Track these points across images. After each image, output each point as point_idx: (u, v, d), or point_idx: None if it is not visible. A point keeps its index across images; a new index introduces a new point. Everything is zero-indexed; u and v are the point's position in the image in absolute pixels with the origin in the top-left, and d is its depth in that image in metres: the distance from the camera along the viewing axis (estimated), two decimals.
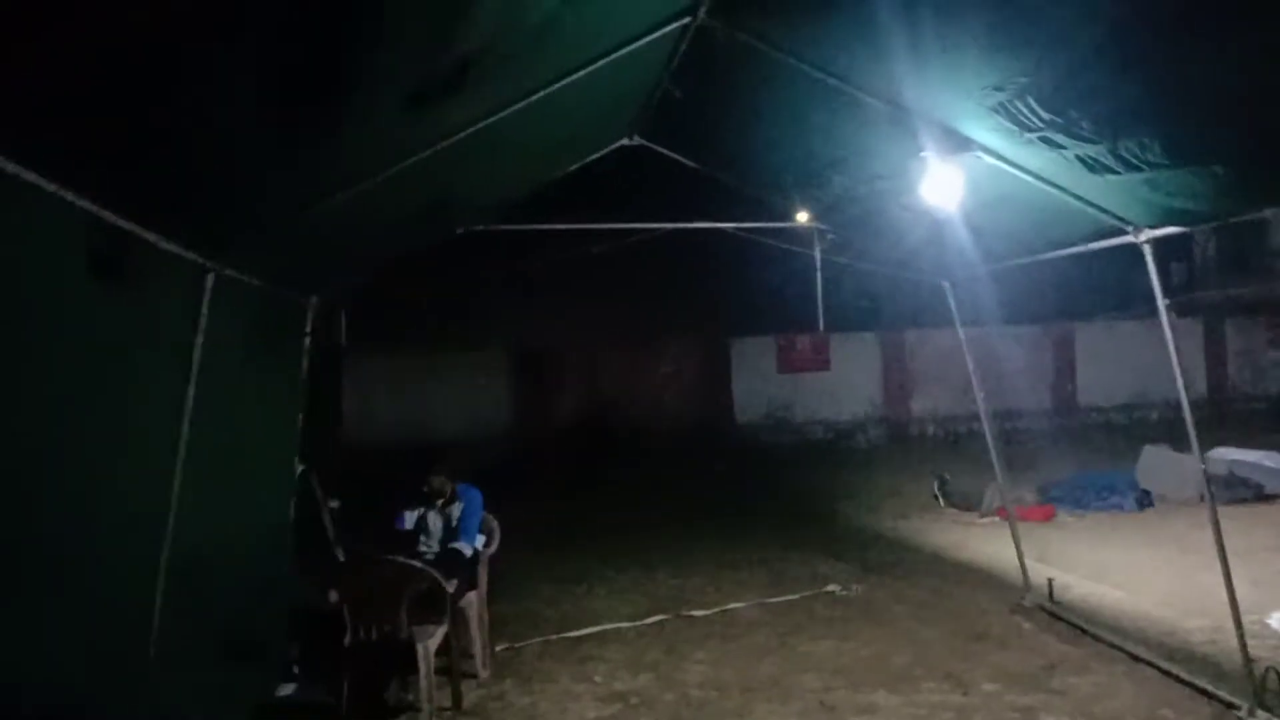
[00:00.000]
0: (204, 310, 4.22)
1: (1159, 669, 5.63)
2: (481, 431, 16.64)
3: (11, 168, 2.66)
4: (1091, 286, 16.61)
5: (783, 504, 12.58)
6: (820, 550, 9.50)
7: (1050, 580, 7.22)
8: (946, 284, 7.21)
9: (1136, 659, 5.83)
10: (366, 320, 11.11)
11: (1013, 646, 6.30)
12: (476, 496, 6.45)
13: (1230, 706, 4.99)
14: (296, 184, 4.08)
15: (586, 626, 7.21)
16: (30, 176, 2.75)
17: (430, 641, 5.49)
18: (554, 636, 7.01)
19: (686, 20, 4.45)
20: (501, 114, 4.41)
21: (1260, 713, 4.82)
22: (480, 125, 4.39)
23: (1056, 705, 5.25)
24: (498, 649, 6.63)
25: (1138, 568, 8.13)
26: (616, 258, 14.26)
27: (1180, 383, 5.30)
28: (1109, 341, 18.01)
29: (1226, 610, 6.29)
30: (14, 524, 2.96)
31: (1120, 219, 4.94)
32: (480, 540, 6.44)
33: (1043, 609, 6.98)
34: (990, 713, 5.23)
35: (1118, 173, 4.24)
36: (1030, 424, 17.54)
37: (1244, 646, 5.10)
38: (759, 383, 18.73)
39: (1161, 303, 5.12)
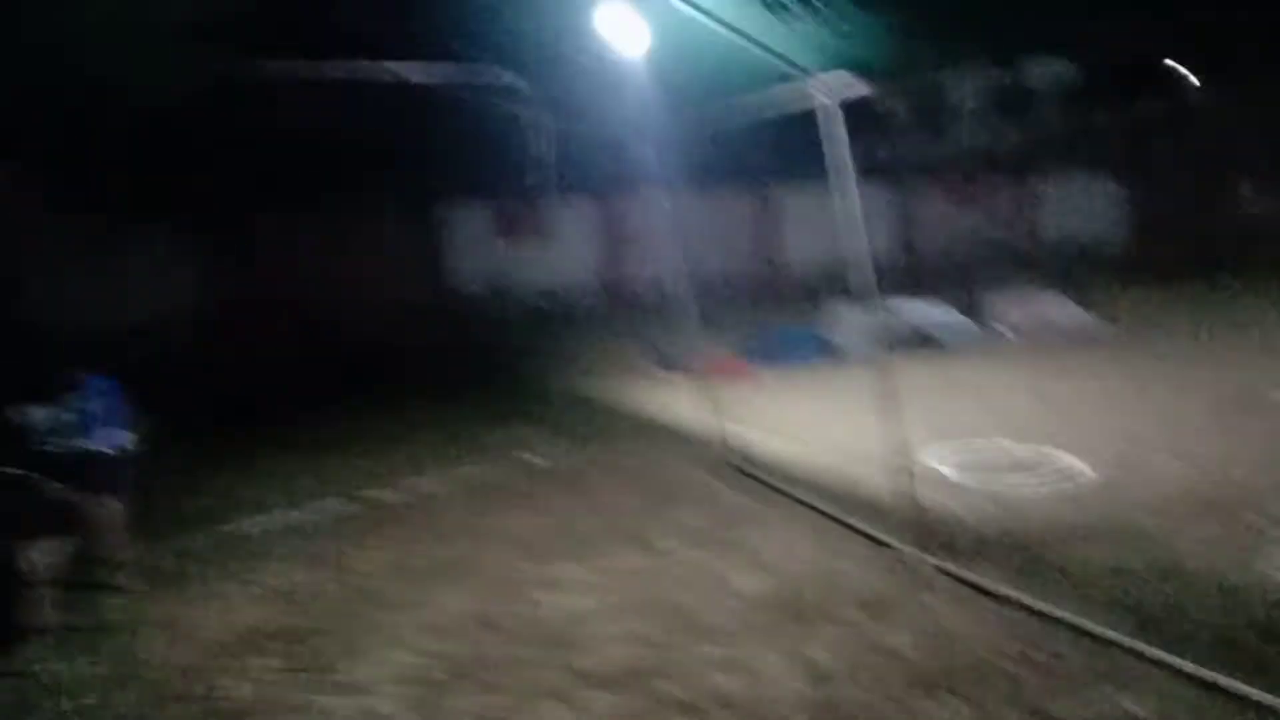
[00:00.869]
0: None
1: (835, 519, 5.80)
2: (156, 314, 14.94)
3: None
4: (791, 147, 17.11)
5: (497, 377, 12.22)
6: (527, 421, 9.25)
7: (741, 437, 7.34)
8: (642, 143, 6.89)
9: (817, 510, 5.99)
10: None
11: (701, 505, 6.33)
12: (113, 390, 5.55)
13: (894, 548, 5.19)
14: None
15: (255, 520, 6.57)
16: None
17: (45, 556, 4.69)
18: (216, 535, 6.32)
19: None
20: None
21: (919, 552, 5.03)
22: None
23: (732, 559, 5.27)
24: (150, 556, 5.87)
25: (824, 420, 8.47)
26: (318, 115, 12.90)
27: (840, 248, 5.26)
28: (809, 202, 18.79)
29: (899, 457, 6.63)
30: None
31: (800, 68, 4.77)
32: (122, 437, 5.58)
33: (734, 466, 7.08)
34: (667, 571, 5.19)
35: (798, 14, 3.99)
36: (735, 285, 18.15)
37: (908, 491, 5.32)
38: (477, 253, 18.07)
39: (840, 163, 5.03)
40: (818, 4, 3.91)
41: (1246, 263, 18.05)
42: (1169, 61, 21.36)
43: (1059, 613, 4.22)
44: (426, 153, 16.03)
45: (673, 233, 7.55)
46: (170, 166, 14.06)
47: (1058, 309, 13.09)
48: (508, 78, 6.49)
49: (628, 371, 11.60)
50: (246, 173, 14.52)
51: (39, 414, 5.54)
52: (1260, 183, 25.50)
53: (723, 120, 5.95)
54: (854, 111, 5.29)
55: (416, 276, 17.38)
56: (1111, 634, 3.98)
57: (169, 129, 12.55)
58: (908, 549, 5.07)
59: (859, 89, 5.03)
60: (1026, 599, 4.38)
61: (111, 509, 5.40)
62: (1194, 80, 21.52)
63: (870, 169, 18.57)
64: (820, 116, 4.98)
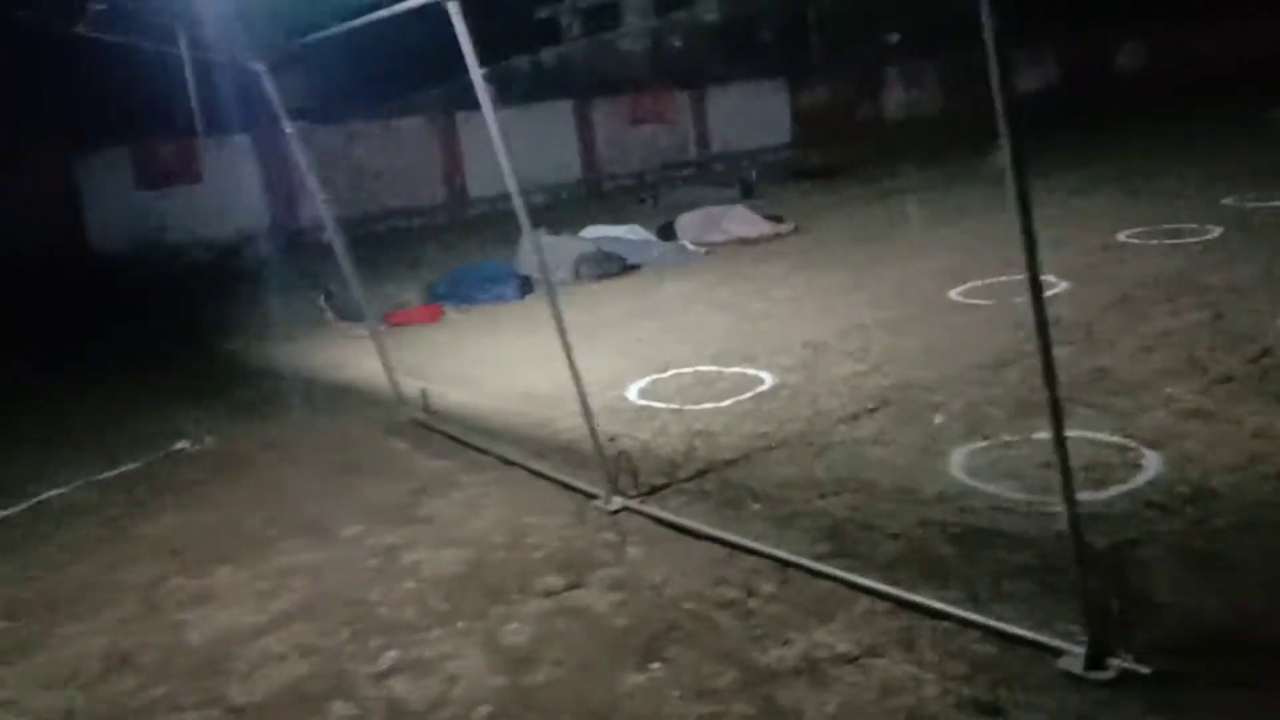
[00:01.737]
0: None
1: (528, 470, 5.39)
2: None
3: None
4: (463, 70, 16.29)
5: (146, 345, 10.72)
6: (182, 397, 8.11)
7: (426, 390, 6.73)
8: (261, 67, 5.93)
9: (508, 463, 5.55)
10: None
11: (384, 474, 5.70)
12: None
13: (591, 497, 4.85)
14: None
15: None
16: None
17: None
18: None
19: None
20: None
21: (615, 498, 4.72)
22: None
23: (420, 537, 4.73)
24: None
25: (517, 360, 8.01)
26: None
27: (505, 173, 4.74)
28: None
29: (595, 391, 6.27)
30: None
31: None
32: None
33: (418, 423, 6.48)
34: (348, 563, 4.56)
35: None
36: (421, 220, 17.27)
37: (606, 431, 4.98)
38: (117, 203, 15.86)
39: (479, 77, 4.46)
40: None
41: (904, 157, 19.50)
42: None
43: (758, 545, 4.04)
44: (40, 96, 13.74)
45: (307, 169, 6.70)
46: None
47: (742, 220, 13.37)
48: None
49: (304, 329, 10.55)
50: None
51: None
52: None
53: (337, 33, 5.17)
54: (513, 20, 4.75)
55: (39, 233, 14.96)
56: (810, 563, 3.84)
57: None
58: (608, 496, 4.74)
59: None
60: (729, 536, 4.17)
61: None
62: None
63: (557, 91, 18.20)
64: (455, 20, 4.35)
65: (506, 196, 4.89)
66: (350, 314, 10.48)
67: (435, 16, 4.45)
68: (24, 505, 5.88)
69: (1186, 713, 2.77)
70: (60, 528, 5.46)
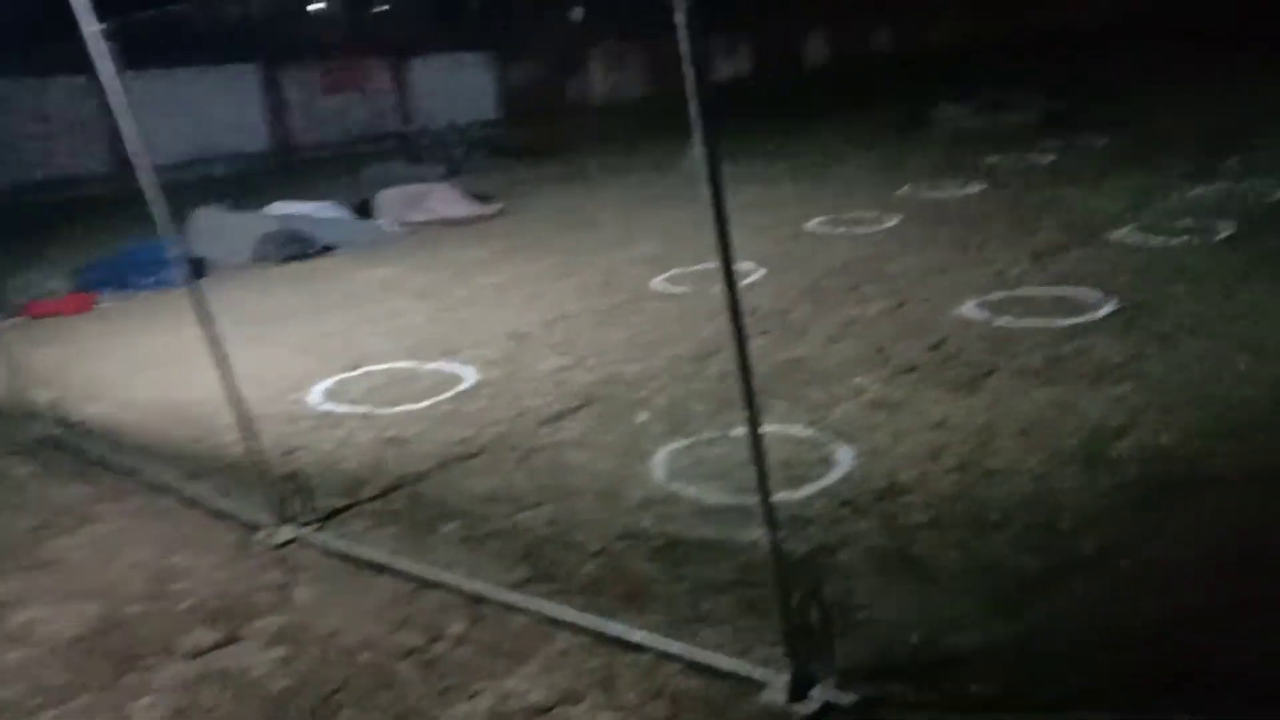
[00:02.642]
0: None
1: (181, 496, 4.64)
2: None
3: None
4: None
5: None
6: None
7: (58, 399, 5.72)
8: None
9: (157, 488, 4.76)
10: None
11: (12, 512, 4.73)
12: None
13: (254, 527, 4.21)
14: None
15: None
16: None
17: None
18: None
19: None
20: None
21: (284, 528, 4.12)
22: None
23: (38, 590, 3.90)
24: None
25: (179, 360, 6.99)
26: None
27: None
28: (162, 90, 16.18)
29: (271, 394, 5.57)
30: None
31: None
32: None
33: (49, 441, 5.48)
34: None
35: None
36: (80, 192, 15.18)
37: (257, 448, 4.33)
38: None
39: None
40: None
41: (611, 140, 19.59)
42: None
43: (447, 578, 3.63)
44: None
45: None
46: None
47: (446, 199, 12.78)
48: None
49: None
50: None
51: None
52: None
53: None
54: None
55: None
56: (503, 595, 3.47)
57: None
58: (274, 526, 4.14)
59: None
60: (414, 568, 3.72)
61: None
62: None
63: (242, 55, 16.55)
64: None
65: (183, 165, 4.13)
66: None
67: None
68: None
69: None
70: None
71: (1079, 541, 3.46)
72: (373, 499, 4.45)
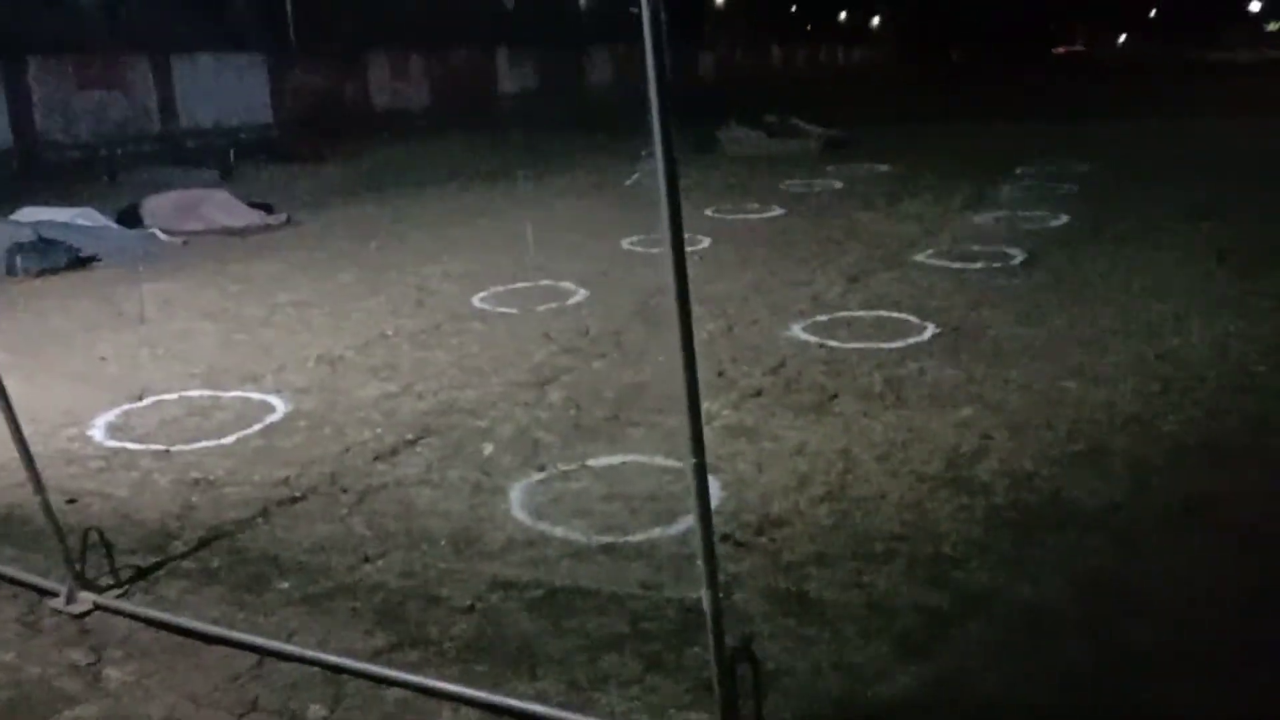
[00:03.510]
0: None
1: None
2: None
3: None
4: None
5: None
6: None
7: None
8: None
9: None
10: None
11: None
12: None
13: (46, 594, 3.52)
14: None
15: None
16: None
17: None
18: None
19: None
20: None
21: (83, 594, 3.45)
22: None
23: None
24: None
25: None
26: None
27: None
28: None
29: (44, 430, 4.80)
30: None
31: None
32: None
33: None
34: None
35: None
36: None
37: (44, 498, 3.62)
38: None
39: None
40: None
41: (397, 147, 18.83)
42: None
43: (295, 648, 3.13)
44: None
45: None
46: None
47: (225, 207, 11.75)
48: None
49: None
50: None
51: None
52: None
53: None
54: None
55: None
56: (368, 667, 3.02)
57: None
58: (71, 592, 3.46)
59: None
60: (252, 637, 3.19)
61: None
62: None
63: None
64: None
65: None
66: None
67: None
68: None
69: None
70: None
71: (969, 574, 3.42)
72: (186, 554, 3.84)
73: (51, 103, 16.82)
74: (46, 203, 10.98)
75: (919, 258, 8.63)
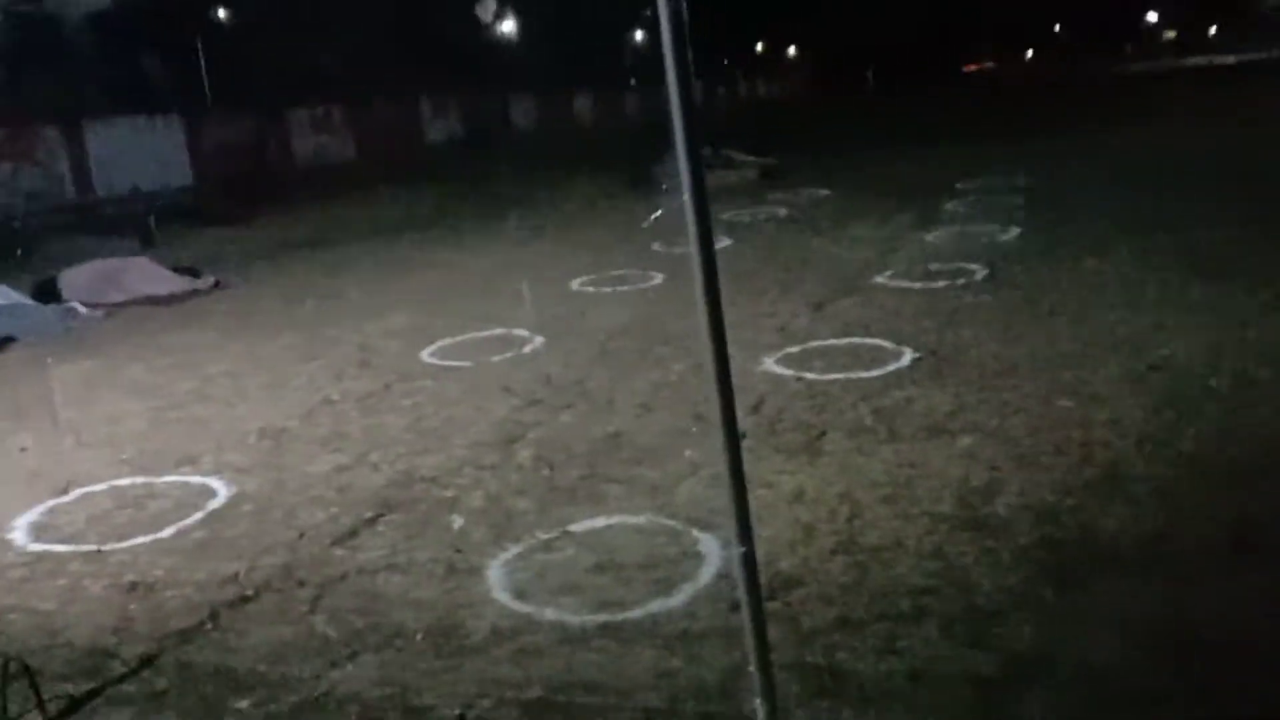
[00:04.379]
0: None
1: None
2: None
3: None
4: None
5: None
6: None
7: None
8: None
9: None
10: None
11: None
12: None
13: None
14: None
15: None
16: None
17: None
18: None
19: None
20: None
21: None
22: None
23: None
24: None
25: None
26: None
27: None
28: None
29: None
30: None
31: None
32: None
33: None
34: None
35: None
36: None
37: None
38: None
39: None
40: None
41: (323, 204, 18.30)
42: None
43: None
44: None
45: None
46: None
47: (147, 275, 11.15)
48: None
49: None
50: None
51: None
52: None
53: None
54: None
55: None
56: None
57: None
58: None
59: None
60: None
61: None
62: None
63: None
64: None
65: None
66: None
67: None
68: None
69: None
70: None
71: (1012, 630, 3.09)
72: (126, 676, 3.35)
73: None
74: None
75: (879, 280, 8.41)
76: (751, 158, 18.23)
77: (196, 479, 5.22)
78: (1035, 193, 12.54)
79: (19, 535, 4.64)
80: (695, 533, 4.06)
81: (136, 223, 15.94)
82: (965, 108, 33.64)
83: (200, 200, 19.44)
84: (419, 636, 3.45)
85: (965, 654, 2.99)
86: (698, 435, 5.11)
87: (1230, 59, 56.41)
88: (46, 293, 10.35)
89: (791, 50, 70.80)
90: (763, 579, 3.59)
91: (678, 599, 3.56)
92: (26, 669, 3.15)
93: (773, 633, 3.21)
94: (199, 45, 23.40)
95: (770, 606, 3.40)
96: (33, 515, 4.87)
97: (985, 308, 7.09)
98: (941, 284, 7.98)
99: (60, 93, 17.77)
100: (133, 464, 5.53)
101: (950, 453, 4.54)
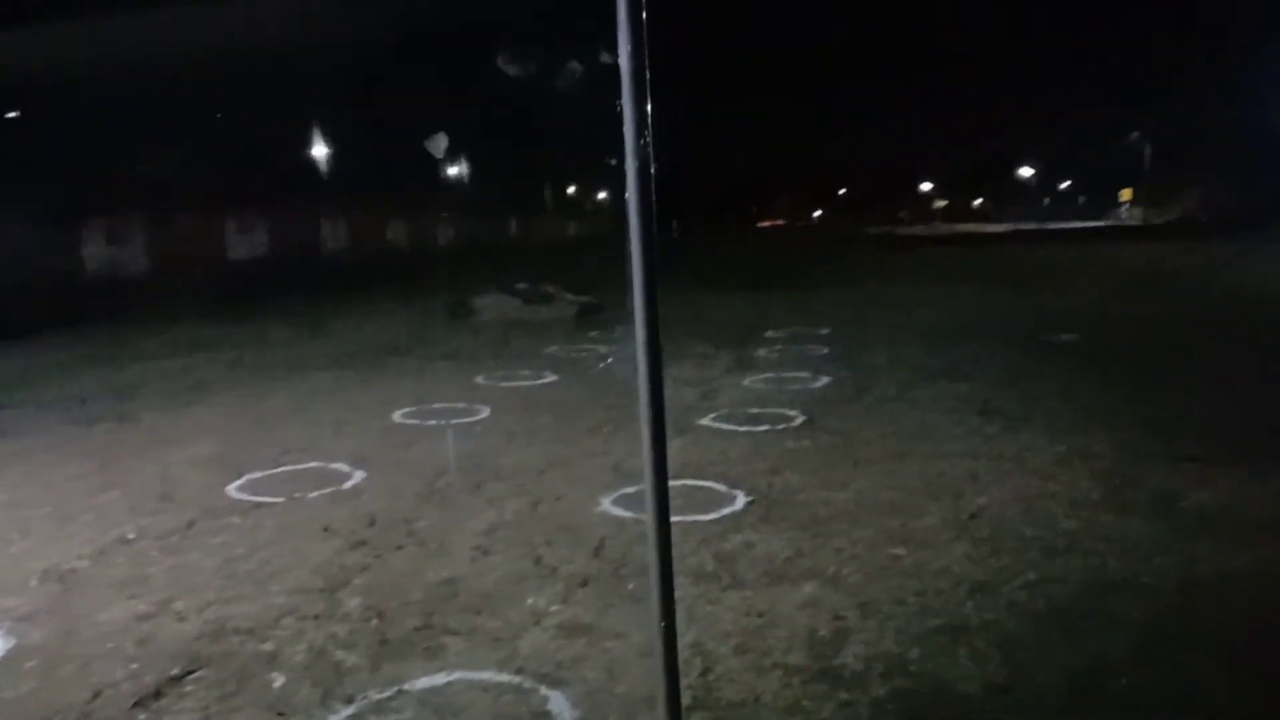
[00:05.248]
0: None
1: None
2: None
3: None
4: None
5: None
6: None
7: None
8: None
9: None
10: None
11: None
12: None
13: None
14: None
15: None
16: None
17: None
18: None
19: None
20: None
21: None
22: None
23: None
24: None
25: None
26: None
27: None
28: None
29: None
30: None
31: None
32: None
33: None
34: None
35: None
36: None
37: None
38: None
39: None
40: None
41: (116, 319, 17.10)
42: None
43: None
44: None
45: None
46: None
47: None
48: None
49: None
50: None
51: None
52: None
53: None
54: None
55: None
56: None
57: None
58: None
59: None
60: None
61: None
62: None
63: None
64: None
65: None
66: None
67: None
68: None
69: None
70: None
71: None
72: None
73: None
74: None
75: (704, 421, 8.58)
76: (571, 295, 18.53)
77: None
78: (835, 341, 13.30)
79: None
80: (544, 690, 3.86)
81: None
82: (764, 259, 35.70)
83: None
84: None
85: None
86: (538, 580, 4.95)
87: (1000, 228, 63.08)
88: None
89: (603, 195, 73.56)
90: None
91: None
92: None
93: None
94: None
95: None
96: None
97: (807, 453, 7.33)
98: (763, 428, 8.22)
99: None
100: None
101: (794, 600, 4.57)
